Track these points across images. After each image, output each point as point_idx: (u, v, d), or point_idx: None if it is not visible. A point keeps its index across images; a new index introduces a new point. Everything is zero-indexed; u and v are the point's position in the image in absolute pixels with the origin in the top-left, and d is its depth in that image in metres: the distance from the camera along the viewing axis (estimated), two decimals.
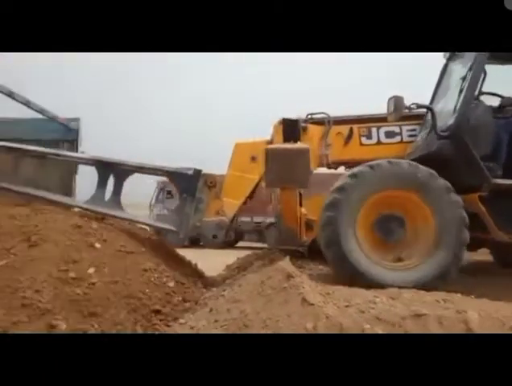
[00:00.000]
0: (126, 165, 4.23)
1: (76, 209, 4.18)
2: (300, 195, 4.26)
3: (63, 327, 2.77)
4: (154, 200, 16.54)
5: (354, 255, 3.28)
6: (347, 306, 2.48)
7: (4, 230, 3.43)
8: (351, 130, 4.37)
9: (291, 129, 4.24)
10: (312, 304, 2.30)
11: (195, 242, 15.22)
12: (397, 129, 4.37)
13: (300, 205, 4.28)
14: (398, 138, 4.39)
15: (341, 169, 4.70)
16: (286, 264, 2.92)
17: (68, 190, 4.83)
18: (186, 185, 4.15)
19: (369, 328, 2.14)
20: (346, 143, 4.39)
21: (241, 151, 4.39)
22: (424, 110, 4.19)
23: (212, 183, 4.17)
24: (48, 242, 3.34)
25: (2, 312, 2.82)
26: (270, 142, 4.35)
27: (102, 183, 4.21)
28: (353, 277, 3.22)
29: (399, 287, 3.04)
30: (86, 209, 4.11)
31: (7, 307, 2.86)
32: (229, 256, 7.39)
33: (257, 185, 4.39)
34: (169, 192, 16.15)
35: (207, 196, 4.18)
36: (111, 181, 4.24)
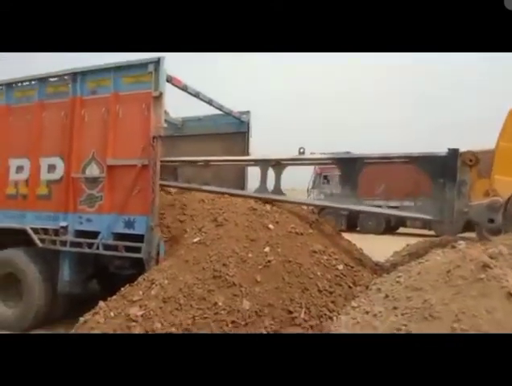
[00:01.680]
0: (370, 158, 4.19)
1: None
2: None
3: (247, 307, 3.05)
4: (311, 185, 17.12)
5: None
6: None
7: (196, 212, 4.01)
8: None
9: None
10: None
11: (351, 226, 15.03)
12: None
13: None
14: None
15: None
16: (477, 252, 2.53)
17: (242, 186, 5.36)
18: (439, 169, 3.67)
19: None
20: None
21: None
22: None
23: (473, 161, 3.58)
24: (230, 222, 3.75)
25: (198, 281, 3.31)
26: None
27: (346, 179, 4.14)
28: None
29: None
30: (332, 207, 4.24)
31: (201, 277, 3.34)
32: (389, 242, 6.95)
33: None
34: (325, 177, 16.64)
35: (468, 177, 3.58)
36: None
